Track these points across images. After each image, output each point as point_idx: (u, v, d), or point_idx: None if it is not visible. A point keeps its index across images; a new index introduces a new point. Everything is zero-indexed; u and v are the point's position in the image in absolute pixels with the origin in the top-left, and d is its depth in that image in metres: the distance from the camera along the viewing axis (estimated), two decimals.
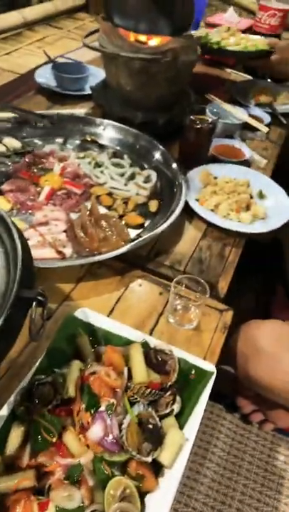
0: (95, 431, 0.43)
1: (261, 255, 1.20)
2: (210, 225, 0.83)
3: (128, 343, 0.55)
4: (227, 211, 0.86)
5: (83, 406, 0.45)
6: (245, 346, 0.66)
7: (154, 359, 0.53)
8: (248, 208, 0.89)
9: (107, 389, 0.46)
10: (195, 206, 0.85)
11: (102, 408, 0.45)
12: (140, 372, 0.49)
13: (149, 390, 0.48)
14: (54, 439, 0.44)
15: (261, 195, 0.93)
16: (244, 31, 1.45)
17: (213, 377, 0.54)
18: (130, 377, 0.49)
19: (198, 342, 0.61)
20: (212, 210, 0.87)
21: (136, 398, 0.48)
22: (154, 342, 0.56)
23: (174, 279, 0.63)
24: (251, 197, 0.92)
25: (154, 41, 0.94)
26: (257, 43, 1.18)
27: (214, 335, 0.62)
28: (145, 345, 0.55)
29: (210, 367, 0.55)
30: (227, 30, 1.24)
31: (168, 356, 0.53)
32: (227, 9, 1.59)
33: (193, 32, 0.95)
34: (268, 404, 0.74)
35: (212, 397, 0.52)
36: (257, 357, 0.64)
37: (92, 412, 0.45)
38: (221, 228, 0.82)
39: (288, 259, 1.12)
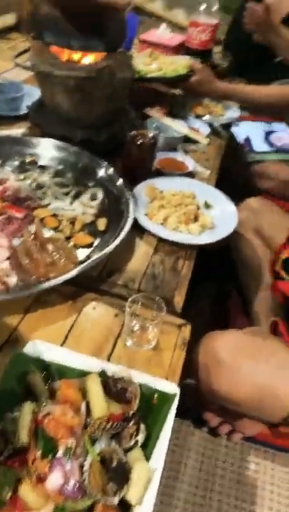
0: (54, 479, 0.40)
1: (212, 262, 1.22)
2: (161, 239, 0.83)
3: (84, 374, 0.52)
4: (176, 224, 0.86)
5: (38, 453, 0.41)
6: (206, 360, 0.65)
7: (114, 388, 0.50)
8: (196, 219, 0.89)
9: (64, 430, 0.42)
10: (144, 222, 0.84)
11: (60, 453, 0.41)
12: (99, 405, 0.46)
13: (110, 424, 0.45)
14: (9, 495, 0.39)
15: (207, 205, 0.94)
16: (177, 47, 1.49)
17: (177, 398, 0.52)
18: (89, 412, 0.46)
19: (158, 362, 0.59)
20: (161, 224, 0.86)
21: (97, 434, 0.45)
22: (112, 369, 0.53)
23: (129, 299, 0.61)
24: (198, 208, 0.92)
25: (88, 59, 0.93)
26: (177, 66, 1.20)
27: (174, 353, 0.60)
28: (103, 374, 0.52)
29: (172, 388, 0.53)
30: (150, 55, 1.27)
31: (128, 383, 0.51)
32: (160, 26, 1.63)
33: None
34: (233, 415, 0.74)
35: (178, 413, 0.50)
36: (218, 370, 0.63)
37: (50, 458, 0.41)
38: (172, 241, 0.82)
39: (239, 264, 1.14)
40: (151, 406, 0.52)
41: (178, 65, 1.20)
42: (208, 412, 0.76)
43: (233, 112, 1.33)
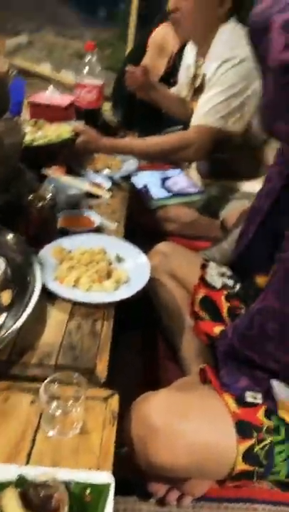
0: None
1: (134, 310, 1.20)
2: (75, 302, 0.78)
3: None
4: (89, 284, 0.82)
5: None
6: (139, 429, 0.60)
7: (36, 498, 0.42)
8: (109, 275, 0.87)
9: None
10: (54, 287, 0.79)
11: None
12: None
13: None
14: None
15: (119, 259, 0.92)
16: (68, 106, 1.53)
17: (112, 487, 0.46)
18: None
19: (87, 448, 0.53)
20: (73, 286, 0.82)
21: None
22: (33, 473, 0.46)
23: (44, 381, 0.54)
24: (110, 263, 0.90)
25: None
26: (62, 131, 1.24)
27: (104, 433, 0.54)
28: (21, 482, 0.44)
29: (106, 477, 0.47)
30: (34, 124, 1.28)
31: (53, 488, 0.44)
32: (48, 88, 1.66)
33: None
34: (179, 479, 0.69)
35: (121, 491, 0.44)
36: (154, 439, 0.58)
37: None
38: (88, 303, 0.78)
39: (159, 309, 1.14)
40: (84, 504, 0.45)
41: (62, 130, 1.23)
42: (152, 483, 0.70)
43: (131, 164, 1.38)
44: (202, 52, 1.34)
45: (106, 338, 0.72)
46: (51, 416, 0.54)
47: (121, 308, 0.81)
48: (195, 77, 1.45)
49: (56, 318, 0.74)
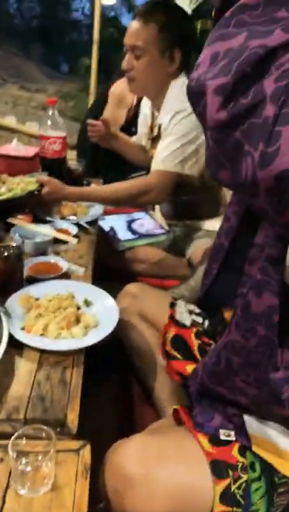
0: None
1: (104, 357, 1.18)
2: (43, 351, 0.77)
3: None
4: (57, 331, 0.82)
5: None
6: (113, 481, 0.59)
7: None
8: (78, 320, 0.87)
9: None
10: (21, 336, 0.78)
11: None
12: None
13: None
14: None
15: (87, 303, 0.93)
16: (33, 157, 1.57)
17: None
18: None
19: (60, 504, 0.51)
20: (42, 335, 0.81)
21: None
22: None
23: (13, 436, 0.53)
24: (78, 308, 0.91)
25: None
26: (26, 184, 1.27)
27: (76, 486, 0.53)
28: None
29: None
30: None
31: None
32: (12, 140, 1.71)
33: None
34: None
35: None
36: (129, 489, 0.57)
37: None
38: (56, 351, 0.77)
39: (131, 351, 1.13)
40: None
41: (26, 182, 1.27)
42: None
43: (97, 210, 1.42)
44: (156, 105, 1.45)
45: (76, 386, 0.71)
46: (21, 473, 0.52)
47: (91, 353, 0.81)
48: (152, 127, 1.54)
49: (24, 369, 0.73)
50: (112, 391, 1.11)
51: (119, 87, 2.11)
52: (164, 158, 1.33)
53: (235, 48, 0.40)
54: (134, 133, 1.77)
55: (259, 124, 0.38)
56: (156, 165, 1.35)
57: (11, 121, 5.15)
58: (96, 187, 1.36)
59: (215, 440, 0.65)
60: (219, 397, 0.74)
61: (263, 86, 0.38)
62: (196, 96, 0.43)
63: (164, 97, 1.38)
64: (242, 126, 0.40)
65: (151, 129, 1.55)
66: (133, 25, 1.30)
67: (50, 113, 1.47)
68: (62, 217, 1.33)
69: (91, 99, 4.27)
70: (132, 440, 0.62)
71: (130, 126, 2.16)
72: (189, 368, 0.90)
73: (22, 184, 1.27)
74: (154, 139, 1.50)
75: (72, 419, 0.63)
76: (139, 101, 2.13)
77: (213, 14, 0.50)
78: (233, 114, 0.40)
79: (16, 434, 0.53)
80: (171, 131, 1.33)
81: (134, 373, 1.11)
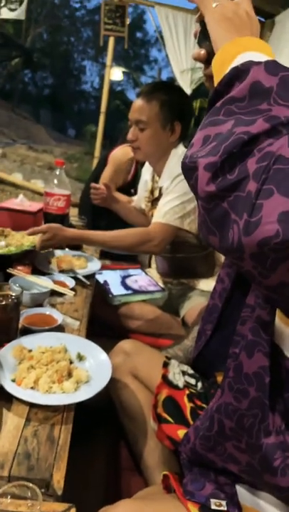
0: None
1: (94, 416, 1.14)
2: (32, 405, 0.75)
3: None
4: (48, 385, 0.80)
5: None
6: None
7: None
8: (70, 374, 0.85)
9: None
10: (11, 389, 0.76)
11: None
12: None
13: None
14: None
15: (80, 357, 0.92)
16: (37, 212, 1.64)
17: None
18: None
19: None
20: (32, 388, 0.79)
21: None
22: None
23: None
24: (71, 362, 0.89)
25: None
26: (25, 241, 1.33)
27: None
28: None
29: None
30: (1, 232, 1.39)
31: None
32: (19, 194, 1.80)
33: None
34: None
35: None
36: None
37: None
38: (46, 406, 0.75)
39: (121, 413, 1.09)
40: None
41: (25, 240, 1.33)
42: None
43: (95, 264, 1.45)
44: (158, 171, 1.56)
45: (64, 445, 0.68)
46: None
47: (81, 409, 0.79)
48: (152, 190, 1.64)
49: (12, 424, 0.70)
50: (99, 452, 1.05)
51: (118, 153, 2.29)
52: (165, 213, 1.40)
53: (224, 132, 0.47)
54: (134, 194, 1.87)
55: (243, 197, 0.43)
56: (157, 218, 1.43)
57: (17, 177, 5.39)
58: (97, 231, 1.41)
59: (206, 509, 0.62)
60: (211, 465, 0.71)
61: (246, 165, 0.44)
62: (189, 171, 0.49)
63: (165, 164, 1.49)
64: (228, 198, 0.45)
65: (152, 192, 1.64)
66: (137, 102, 1.44)
67: (57, 172, 1.57)
68: (61, 271, 1.35)
69: (95, 162, 4.55)
70: (119, 506, 0.59)
71: (130, 187, 2.30)
72: (181, 433, 0.87)
73: (21, 241, 1.33)
74: (154, 201, 1.59)
75: (58, 479, 0.60)
76: (137, 166, 2.28)
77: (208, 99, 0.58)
78: (221, 188, 0.45)
79: (1, 489, 0.50)
80: (173, 190, 1.43)
81: (124, 435, 1.06)
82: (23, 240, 1.33)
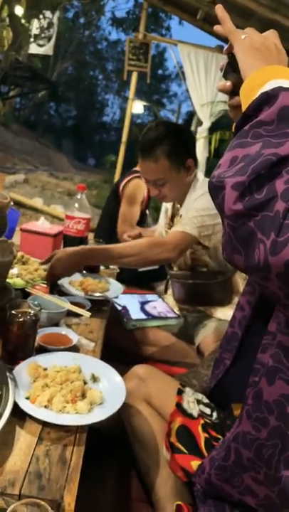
0: None
1: (107, 440, 1.11)
2: (45, 423, 0.74)
3: None
4: (62, 404, 0.79)
5: None
6: None
7: None
8: (83, 395, 0.84)
9: None
10: (25, 406, 0.76)
11: None
12: None
13: None
14: None
15: (94, 378, 0.91)
16: (57, 234, 1.67)
17: None
18: None
19: None
20: (45, 407, 0.78)
21: None
22: None
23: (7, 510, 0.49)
24: (85, 382, 0.89)
25: None
26: (35, 275, 1.35)
27: None
28: None
29: None
30: (21, 257, 1.42)
31: None
32: (40, 218, 1.84)
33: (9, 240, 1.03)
34: None
35: None
36: None
37: None
38: (59, 425, 0.74)
39: (133, 440, 1.06)
40: None
41: (37, 274, 1.36)
42: None
43: (117, 287, 1.46)
44: (179, 201, 1.59)
45: (76, 466, 0.67)
46: None
47: (93, 432, 0.77)
48: (172, 217, 1.66)
49: (24, 442, 0.70)
50: (110, 479, 1.01)
51: (130, 187, 2.26)
52: (184, 223, 1.41)
53: (252, 154, 0.48)
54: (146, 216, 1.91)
55: (271, 216, 0.44)
56: (176, 227, 1.44)
57: (37, 202, 5.54)
58: (112, 245, 1.39)
59: None
60: (226, 497, 0.68)
61: (275, 186, 0.45)
62: (216, 190, 0.50)
63: (187, 193, 1.53)
64: (255, 218, 0.45)
65: (172, 218, 1.66)
66: (145, 165, 1.45)
67: (78, 197, 1.61)
68: (86, 293, 1.35)
69: None
70: None
71: (144, 216, 2.36)
72: (194, 464, 0.84)
73: (38, 271, 1.37)
74: (174, 223, 1.61)
75: (69, 502, 0.59)
76: (149, 192, 2.33)
77: (233, 127, 0.60)
78: (248, 207, 0.46)
79: (10, 508, 0.49)
80: (192, 206, 1.45)
81: (135, 464, 1.03)
82: (35, 274, 1.36)
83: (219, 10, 0.67)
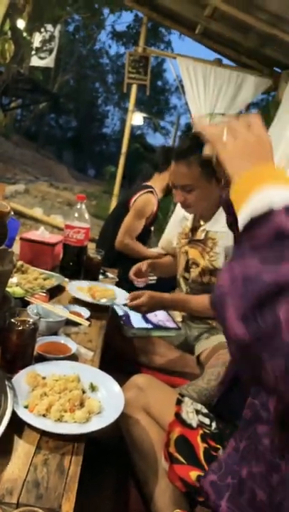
0: None
1: (105, 450, 1.10)
2: (44, 432, 0.74)
3: None
4: (60, 413, 0.79)
5: None
6: None
7: None
8: (82, 404, 0.84)
9: None
10: (24, 415, 0.76)
11: None
12: None
13: None
14: None
15: (93, 387, 0.91)
16: (56, 243, 1.68)
17: None
18: None
19: None
20: (44, 416, 0.78)
21: None
22: None
23: None
24: (84, 391, 0.88)
25: None
26: (36, 283, 1.38)
27: None
28: None
29: None
30: (21, 266, 1.44)
31: None
32: (39, 228, 1.85)
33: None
34: None
35: None
36: None
37: None
38: (57, 434, 0.73)
39: (131, 450, 1.05)
40: None
41: (36, 283, 1.38)
42: None
43: (123, 294, 1.47)
44: (204, 216, 1.55)
45: (74, 476, 0.67)
46: None
47: (91, 442, 0.77)
48: (193, 229, 1.61)
49: (22, 451, 0.69)
50: (107, 489, 1.00)
51: (140, 202, 2.28)
52: None
53: (252, 276, 0.47)
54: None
55: (277, 343, 0.43)
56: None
57: (37, 212, 5.56)
58: (187, 296, 1.46)
59: None
60: None
61: (278, 313, 0.43)
62: (219, 307, 0.49)
63: (216, 211, 1.50)
64: (260, 345, 0.44)
65: (192, 230, 1.61)
66: (177, 168, 1.44)
67: (78, 207, 1.62)
68: (94, 298, 1.39)
69: (114, 200, 4.69)
70: None
71: (148, 231, 2.38)
72: (193, 474, 0.84)
73: (38, 280, 1.38)
74: (194, 241, 1.56)
75: (67, 511, 0.58)
76: (158, 208, 2.35)
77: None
78: (253, 335, 0.44)
79: None
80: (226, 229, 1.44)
81: (133, 474, 1.02)
82: (35, 283, 1.37)
83: (196, 120, 0.67)
